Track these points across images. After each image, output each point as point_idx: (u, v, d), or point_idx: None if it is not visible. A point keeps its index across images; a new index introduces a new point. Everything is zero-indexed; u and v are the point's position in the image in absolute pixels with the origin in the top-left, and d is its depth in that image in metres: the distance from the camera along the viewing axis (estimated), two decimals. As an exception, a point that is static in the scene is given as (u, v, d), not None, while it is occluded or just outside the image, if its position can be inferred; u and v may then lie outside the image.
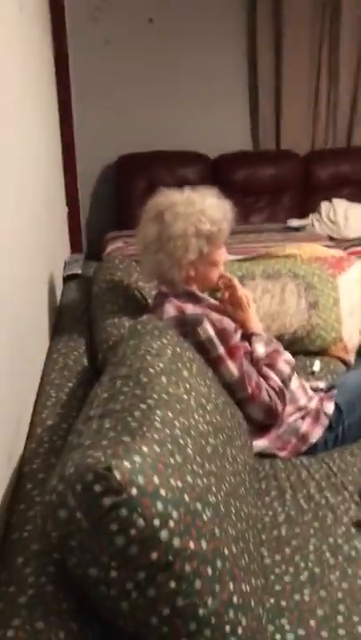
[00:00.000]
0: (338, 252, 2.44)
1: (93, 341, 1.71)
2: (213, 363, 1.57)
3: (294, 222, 3.97)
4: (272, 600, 1.14)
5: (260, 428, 1.66)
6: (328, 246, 3.08)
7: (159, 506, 0.83)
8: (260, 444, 1.65)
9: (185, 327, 1.59)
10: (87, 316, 1.89)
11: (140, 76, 4.16)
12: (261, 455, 1.64)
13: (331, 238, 3.75)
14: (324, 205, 3.99)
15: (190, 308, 1.62)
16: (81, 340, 1.73)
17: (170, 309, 1.63)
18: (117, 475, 0.80)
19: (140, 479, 0.82)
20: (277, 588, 1.17)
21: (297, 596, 1.14)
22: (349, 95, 4.27)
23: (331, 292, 2.27)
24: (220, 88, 4.25)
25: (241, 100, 4.32)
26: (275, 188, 4.20)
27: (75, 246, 3.64)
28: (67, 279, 2.20)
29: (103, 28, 4.03)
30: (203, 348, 1.57)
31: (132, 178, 4.16)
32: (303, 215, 4.12)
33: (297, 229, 3.91)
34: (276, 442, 1.65)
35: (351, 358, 2.26)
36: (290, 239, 3.50)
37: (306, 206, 4.20)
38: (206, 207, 1.65)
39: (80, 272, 2.21)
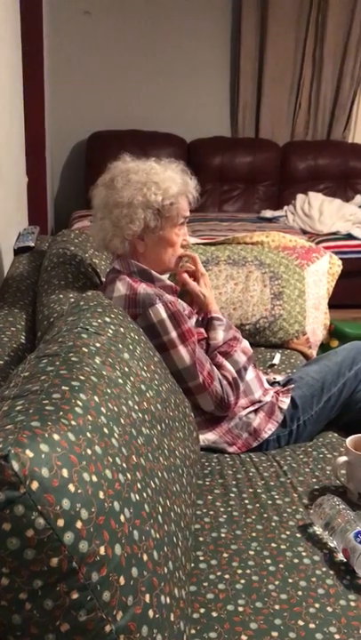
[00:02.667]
0: (307, 243, 2.34)
1: (36, 318, 1.57)
2: (164, 347, 1.45)
3: (268, 213, 3.88)
4: (202, 610, 1.03)
5: (210, 421, 1.55)
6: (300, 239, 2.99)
7: (65, 504, 0.70)
8: (209, 437, 1.54)
9: (136, 307, 1.47)
10: (34, 290, 1.75)
11: (118, 51, 4.01)
12: (209, 449, 1.54)
13: (304, 232, 3.67)
14: (300, 198, 3.90)
15: (143, 288, 1.50)
16: (22, 315, 1.60)
17: (121, 287, 1.51)
18: (15, 465, 0.68)
19: (45, 472, 0.70)
20: (210, 596, 1.06)
21: (230, 607, 1.04)
22: (332, 87, 4.18)
23: (297, 283, 2.18)
24: (202, 71, 4.12)
25: (222, 85, 4.20)
26: (250, 177, 4.10)
27: (39, 222, 3.48)
28: (18, 252, 2.06)
29: (82, -3, 3.87)
30: (154, 330, 1.45)
31: (102, 156, 3.98)
32: (278, 207, 4.03)
33: (270, 220, 3.81)
34: (225, 436, 1.55)
35: (314, 353, 2.17)
36: (263, 229, 3.41)
37: (281, 198, 4.11)
38: (163, 179, 1.52)
39: (33, 245, 2.07)
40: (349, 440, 1.36)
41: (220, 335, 1.58)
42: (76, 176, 4.11)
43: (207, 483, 1.39)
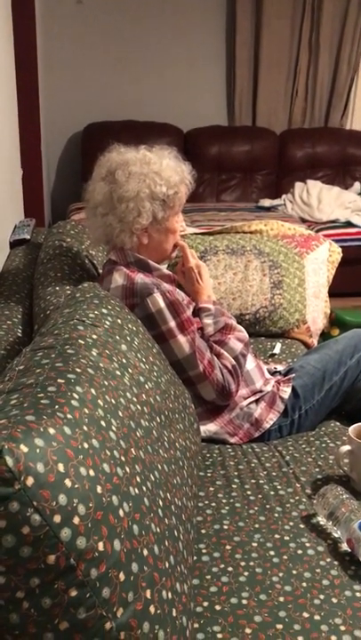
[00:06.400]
0: (306, 231, 2.31)
1: (32, 311, 1.55)
2: (163, 337, 1.43)
3: (266, 202, 3.85)
4: (206, 603, 1.01)
5: (211, 411, 1.53)
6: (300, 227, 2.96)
7: (62, 499, 0.69)
8: (210, 428, 1.52)
9: (134, 298, 1.45)
10: (30, 283, 1.73)
11: (113, 41, 3.96)
12: (211, 440, 1.52)
13: (303, 220, 3.64)
14: (298, 186, 3.87)
15: (140, 278, 1.47)
16: (18, 308, 1.58)
17: (118, 278, 1.49)
18: (9, 461, 0.66)
19: (40, 467, 0.68)
20: (213, 589, 1.04)
21: (234, 600, 1.02)
22: (329, 73, 4.14)
23: (296, 271, 2.15)
24: (197, 60, 4.08)
25: (218, 74, 4.15)
26: (248, 166, 4.07)
27: (36, 215, 3.46)
28: (14, 244, 2.03)
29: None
30: (152, 320, 1.43)
31: (99, 147, 3.95)
32: (276, 195, 4.00)
33: (269, 209, 3.78)
34: (227, 426, 1.53)
35: (315, 341, 2.15)
36: (261, 219, 3.38)
37: (279, 186, 4.08)
38: (163, 168, 1.50)
39: (29, 237, 2.04)
40: (352, 429, 1.34)
41: (208, 325, 1.55)
42: (73, 168, 4.08)
43: (209, 474, 1.37)
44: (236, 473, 1.37)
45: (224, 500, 1.27)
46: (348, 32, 4.03)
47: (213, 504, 1.26)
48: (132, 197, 1.47)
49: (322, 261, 2.22)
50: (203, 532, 1.18)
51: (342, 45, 4.06)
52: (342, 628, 0.97)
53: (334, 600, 1.02)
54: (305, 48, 4.06)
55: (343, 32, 4.04)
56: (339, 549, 1.14)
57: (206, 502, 1.26)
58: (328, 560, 1.11)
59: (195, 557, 1.10)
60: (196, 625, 0.96)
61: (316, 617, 0.99)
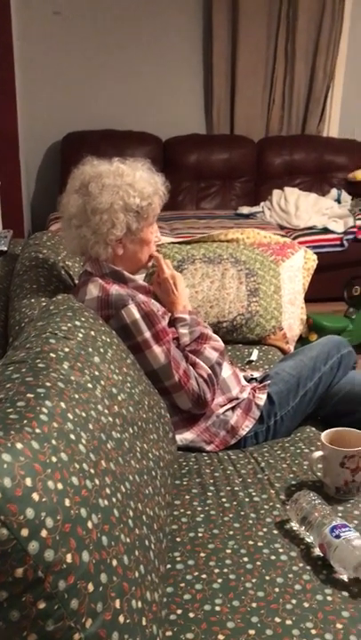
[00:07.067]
0: (282, 239, 2.34)
1: (8, 323, 1.56)
2: (138, 348, 1.45)
3: (245, 210, 3.89)
4: (179, 611, 1.02)
5: (187, 420, 1.55)
6: (277, 234, 3.00)
7: (29, 513, 0.70)
8: (187, 436, 1.54)
9: (109, 309, 1.47)
10: (6, 295, 1.74)
11: (91, 51, 3.99)
12: (187, 449, 1.54)
13: (281, 227, 3.68)
14: (276, 194, 3.91)
15: (115, 289, 1.49)
16: (-6, 321, 1.59)
17: (93, 289, 1.50)
18: (-24, 476, 0.67)
19: (7, 482, 0.70)
20: (187, 597, 1.06)
21: (207, 607, 1.04)
22: (305, 82, 4.19)
23: (272, 279, 2.18)
24: (175, 69, 4.12)
25: (196, 83, 4.19)
26: (227, 174, 4.10)
27: (15, 225, 3.46)
28: (-10, 256, 2.04)
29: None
30: (127, 331, 1.45)
31: (78, 156, 3.96)
32: (255, 203, 4.04)
33: (247, 217, 3.82)
34: (203, 434, 1.55)
35: (291, 348, 2.18)
36: (240, 226, 3.42)
37: (258, 193, 4.12)
38: (136, 180, 1.52)
39: (5, 249, 2.05)
40: (324, 434, 1.36)
41: (184, 335, 1.57)
42: (52, 177, 4.09)
43: (185, 482, 1.38)
44: (211, 480, 1.39)
45: (199, 508, 1.29)
46: (322, 41, 4.09)
47: (189, 512, 1.27)
48: (105, 209, 1.49)
49: (297, 269, 2.26)
50: (178, 540, 1.19)
51: (318, 54, 4.13)
52: (313, 631, 0.99)
53: (306, 604, 1.04)
54: (281, 57, 4.12)
55: (318, 41, 4.10)
56: (311, 554, 1.16)
57: (182, 510, 1.28)
58: (301, 565, 1.13)
59: (169, 566, 1.12)
60: (169, 633, 0.98)
61: (288, 622, 1.01)
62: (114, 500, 0.86)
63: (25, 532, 0.69)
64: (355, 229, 3.57)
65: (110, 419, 1.02)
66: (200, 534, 1.21)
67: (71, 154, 3.86)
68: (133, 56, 4.04)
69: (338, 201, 3.92)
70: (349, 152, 4.14)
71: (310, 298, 2.51)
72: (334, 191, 3.99)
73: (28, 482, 0.72)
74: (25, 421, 0.79)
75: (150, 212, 1.55)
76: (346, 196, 3.94)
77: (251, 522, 1.24)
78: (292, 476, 1.40)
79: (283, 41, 4.09)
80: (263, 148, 4.13)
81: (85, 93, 4.06)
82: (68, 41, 3.95)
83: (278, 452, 1.51)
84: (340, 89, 4.30)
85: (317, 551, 1.16)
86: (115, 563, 0.80)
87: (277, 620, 1.01)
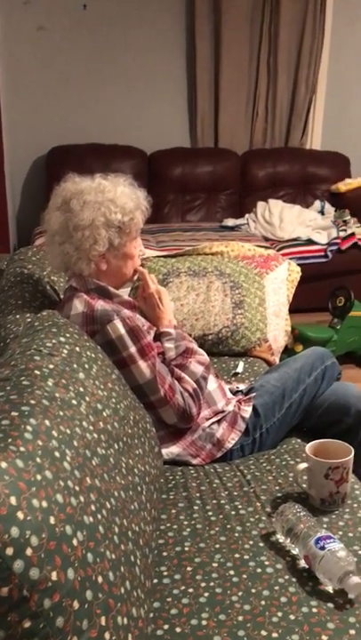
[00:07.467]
0: (266, 251, 2.37)
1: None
2: (124, 363, 1.46)
3: (230, 222, 3.92)
4: (166, 626, 1.03)
5: (173, 434, 1.56)
6: (261, 246, 3.03)
7: (14, 532, 0.70)
8: (173, 450, 1.55)
9: (94, 324, 1.48)
10: (-9, 312, 1.74)
11: (74, 65, 4.02)
12: (174, 462, 1.54)
13: (265, 239, 3.71)
14: (260, 206, 3.95)
15: (101, 305, 1.50)
16: (-21, 337, 1.58)
17: (78, 305, 1.51)
18: None
19: (-9, 501, 0.70)
20: (173, 611, 1.06)
21: (194, 621, 1.04)
22: (288, 95, 4.25)
23: (257, 291, 2.20)
24: (159, 84, 4.16)
25: (179, 97, 4.23)
26: (212, 187, 4.14)
27: (0, 240, 3.47)
28: (-24, 272, 2.04)
29: (36, 14, 3.87)
30: (113, 346, 1.46)
31: (63, 171, 3.98)
32: (240, 215, 4.08)
33: (232, 229, 3.85)
34: (189, 448, 1.56)
35: (276, 359, 2.20)
36: (225, 238, 3.44)
37: (243, 205, 4.15)
38: (118, 195, 1.54)
39: (-9, 265, 2.06)
40: (309, 446, 1.38)
41: (169, 350, 1.59)
42: (37, 191, 4.09)
43: (171, 496, 1.39)
44: (198, 494, 1.40)
45: (186, 522, 1.29)
46: (304, 55, 4.16)
47: (175, 526, 1.28)
48: (87, 226, 1.50)
49: (281, 281, 2.28)
50: (164, 554, 1.20)
51: (299, 68, 4.19)
52: (299, 644, 1.00)
53: (292, 617, 1.05)
54: (263, 71, 4.17)
55: (300, 55, 4.16)
56: (297, 566, 1.17)
57: (168, 525, 1.29)
58: (286, 577, 1.14)
59: (156, 580, 1.12)
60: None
61: (274, 634, 1.01)
62: (99, 516, 0.87)
63: (10, 551, 0.69)
64: (338, 240, 3.62)
65: (95, 435, 1.02)
66: (186, 548, 1.21)
67: (56, 168, 3.87)
68: (117, 71, 4.08)
69: (321, 212, 3.96)
70: (332, 164, 4.20)
71: (295, 308, 2.54)
72: (318, 203, 4.04)
73: (13, 500, 0.72)
74: (9, 440, 0.80)
75: (132, 226, 1.56)
76: (329, 208, 3.99)
77: (237, 535, 1.25)
78: (277, 488, 1.41)
79: (265, 56, 4.15)
80: (247, 161, 4.17)
81: (70, 108, 4.08)
82: (52, 56, 3.98)
83: (264, 465, 1.52)
84: (322, 102, 4.36)
85: (303, 563, 1.17)
86: (100, 579, 0.80)
87: (264, 633, 1.02)
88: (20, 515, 0.72)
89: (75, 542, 0.78)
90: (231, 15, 4.00)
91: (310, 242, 3.60)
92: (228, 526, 1.28)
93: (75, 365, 1.14)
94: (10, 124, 3.90)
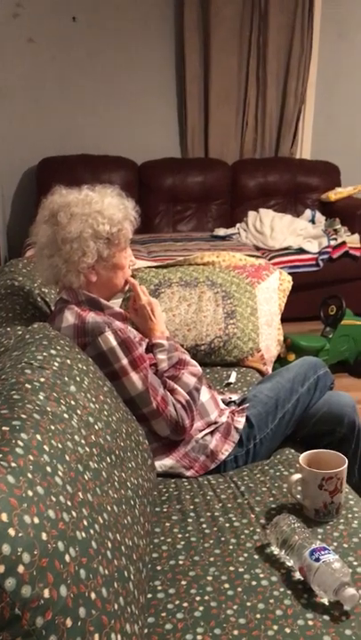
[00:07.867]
0: (257, 261, 2.37)
1: (-16, 353, 1.55)
2: (116, 375, 1.45)
3: (221, 231, 3.93)
4: (160, 642, 1.02)
5: (167, 446, 1.55)
6: (253, 255, 3.04)
7: (5, 549, 0.69)
8: (166, 462, 1.53)
9: (85, 336, 1.47)
10: (-18, 324, 1.73)
11: (64, 77, 4.03)
12: (167, 475, 1.53)
13: (257, 248, 3.72)
14: (251, 215, 3.96)
15: (92, 317, 1.49)
16: (-31, 351, 1.57)
17: (69, 317, 1.50)
18: None
19: (-18, 518, 0.69)
20: (168, 626, 1.05)
21: (189, 636, 1.03)
22: (277, 105, 4.28)
23: (249, 301, 2.20)
24: (149, 94, 4.17)
25: (170, 108, 4.25)
26: (202, 197, 4.15)
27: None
28: (-34, 285, 2.02)
29: (26, 26, 3.88)
30: (104, 358, 1.45)
31: (53, 181, 3.98)
32: (231, 224, 4.09)
33: (224, 238, 3.86)
34: (182, 460, 1.55)
35: (269, 369, 2.20)
36: (216, 248, 3.45)
37: (233, 215, 4.17)
38: (105, 207, 1.53)
39: (-19, 277, 2.04)
40: (302, 457, 1.37)
41: (162, 361, 1.58)
42: (28, 202, 4.09)
43: (165, 509, 1.38)
44: (191, 507, 1.39)
45: (180, 535, 1.28)
46: (293, 66, 4.19)
47: (169, 540, 1.27)
48: (75, 238, 1.50)
49: (273, 290, 2.28)
50: (158, 568, 1.19)
51: (288, 78, 4.22)
52: (295, 657, 0.99)
53: (288, 630, 1.04)
54: (253, 82, 4.20)
55: (289, 66, 4.20)
56: (292, 578, 1.16)
57: (162, 538, 1.27)
58: (281, 590, 1.13)
59: (150, 595, 1.11)
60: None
61: (270, 648, 1.00)
62: (92, 531, 0.86)
63: (1, 569, 0.68)
64: (329, 249, 3.63)
65: (87, 449, 1.01)
66: (181, 562, 1.20)
67: (47, 179, 3.86)
68: (107, 82, 4.10)
69: (312, 221, 3.98)
70: (322, 173, 4.22)
71: (287, 317, 2.54)
72: (308, 212, 4.06)
73: (4, 517, 0.71)
74: (0, 455, 0.79)
75: (121, 237, 1.56)
76: (320, 217, 4.01)
77: (231, 547, 1.24)
78: (271, 499, 1.40)
79: (254, 67, 4.18)
80: (238, 171, 4.19)
81: (60, 119, 4.09)
82: (42, 68, 3.99)
83: (258, 476, 1.51)
84: (311, 112, 4.40)
85: (298, 575, 1.16)
86: (93, 596, 0.79)
87: (259, 647, 1.00)
88: (12, 531, 0.71)
89: (67, 559, 0.77)
90: (220, 26, 4.03)
91: (301, 251, 3.61)
92: (223, 539, 1.27)
93: (66, 378, 1.13)
94: (0, 136, 3.90)
